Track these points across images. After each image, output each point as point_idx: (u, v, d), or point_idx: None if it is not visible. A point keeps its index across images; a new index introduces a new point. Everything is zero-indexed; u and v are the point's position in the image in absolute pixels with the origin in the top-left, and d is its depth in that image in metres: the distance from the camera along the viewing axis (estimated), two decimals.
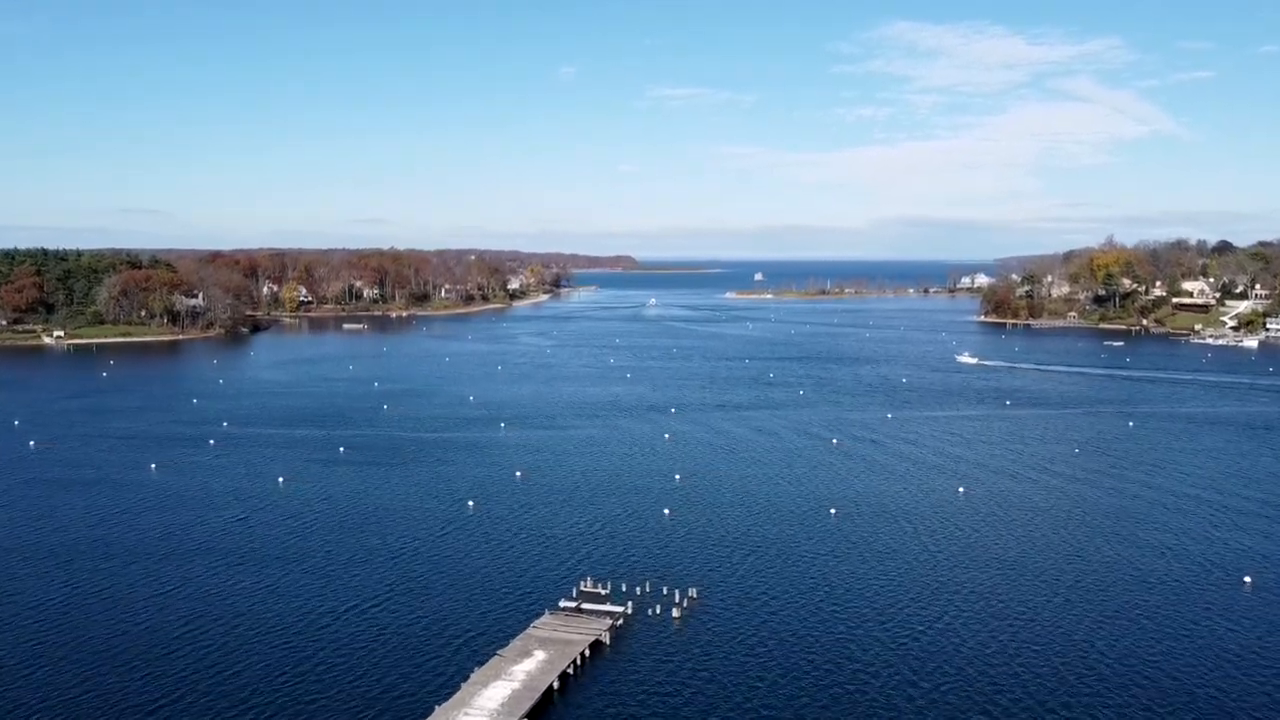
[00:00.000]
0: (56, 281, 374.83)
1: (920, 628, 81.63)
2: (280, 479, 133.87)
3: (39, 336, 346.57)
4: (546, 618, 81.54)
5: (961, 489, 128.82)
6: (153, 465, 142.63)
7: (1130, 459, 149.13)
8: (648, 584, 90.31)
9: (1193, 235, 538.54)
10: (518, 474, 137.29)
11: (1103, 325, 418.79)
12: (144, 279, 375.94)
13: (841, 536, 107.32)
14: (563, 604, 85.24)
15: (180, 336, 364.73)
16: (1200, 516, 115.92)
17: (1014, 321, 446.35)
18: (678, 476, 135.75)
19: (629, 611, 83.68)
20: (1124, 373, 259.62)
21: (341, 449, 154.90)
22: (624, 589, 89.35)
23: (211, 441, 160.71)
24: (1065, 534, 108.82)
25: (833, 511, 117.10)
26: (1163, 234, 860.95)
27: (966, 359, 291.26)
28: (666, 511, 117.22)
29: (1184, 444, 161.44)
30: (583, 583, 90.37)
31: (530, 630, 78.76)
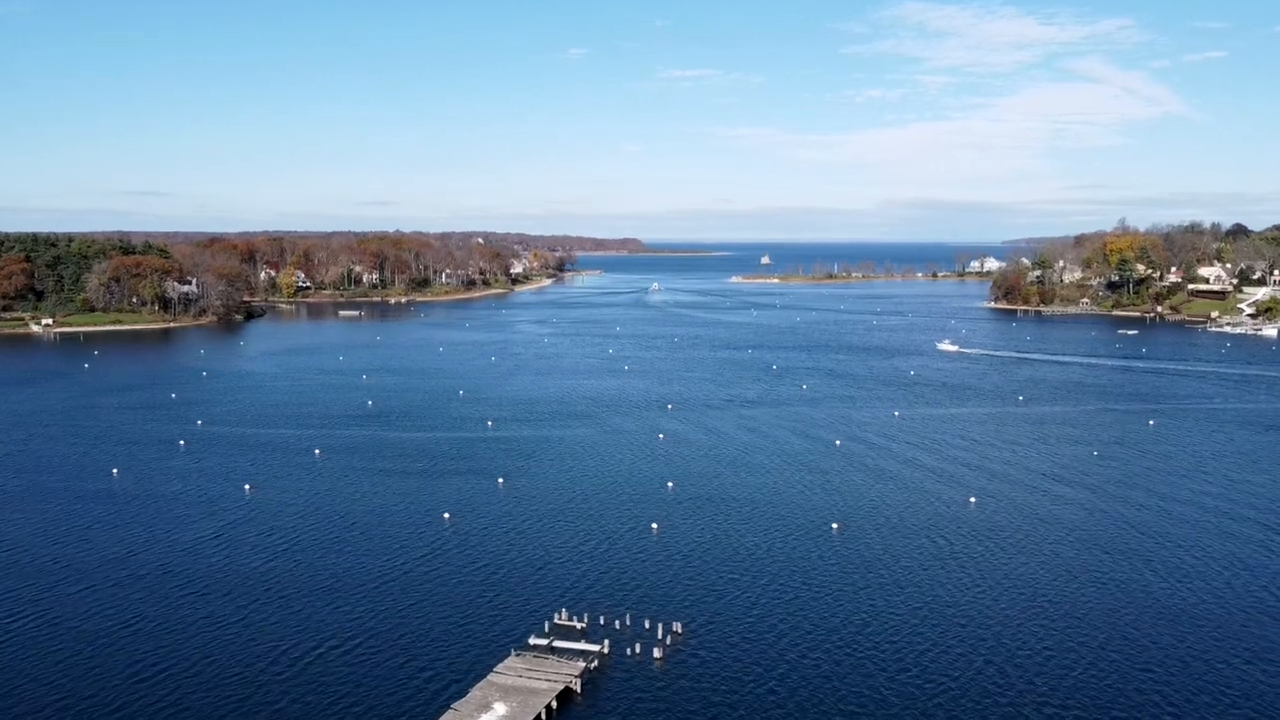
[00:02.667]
0: (46, 268, 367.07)
1: (934, 672, 73.17)
2: (247, 487, 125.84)
3: (27, 325, 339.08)
4: (512, 660, 73.33)
5: (973, 499, 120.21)
6: (115, 471, 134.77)
7: (1155, 465, 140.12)
8: (628, 617, 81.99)
9: (1204, 217, 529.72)
10: (500, 481, 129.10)
11: (1116, 312, 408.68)
12: (135, 265, 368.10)
13: (844, 558, 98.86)
14: (533, 641, 77.05)
15: (172, 324, 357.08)
16: (1242, 536, 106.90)
17: (1025, 308, 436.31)
18: (670, 484, 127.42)
19: (605, 651, 75.44)
20: (1141, 364, 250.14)
21: (317, 451, 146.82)
22: (602, 622, 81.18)
23: (182, 443, 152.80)
24: (1087, 556, 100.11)
25: (834, 526, 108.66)
26: (1174, 216, 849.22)
27: (947, 346, 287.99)
28: (654, 526, 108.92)
29: (1215, 446, 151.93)
30: (556, 615, 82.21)
31: (492, 677, 70.58)
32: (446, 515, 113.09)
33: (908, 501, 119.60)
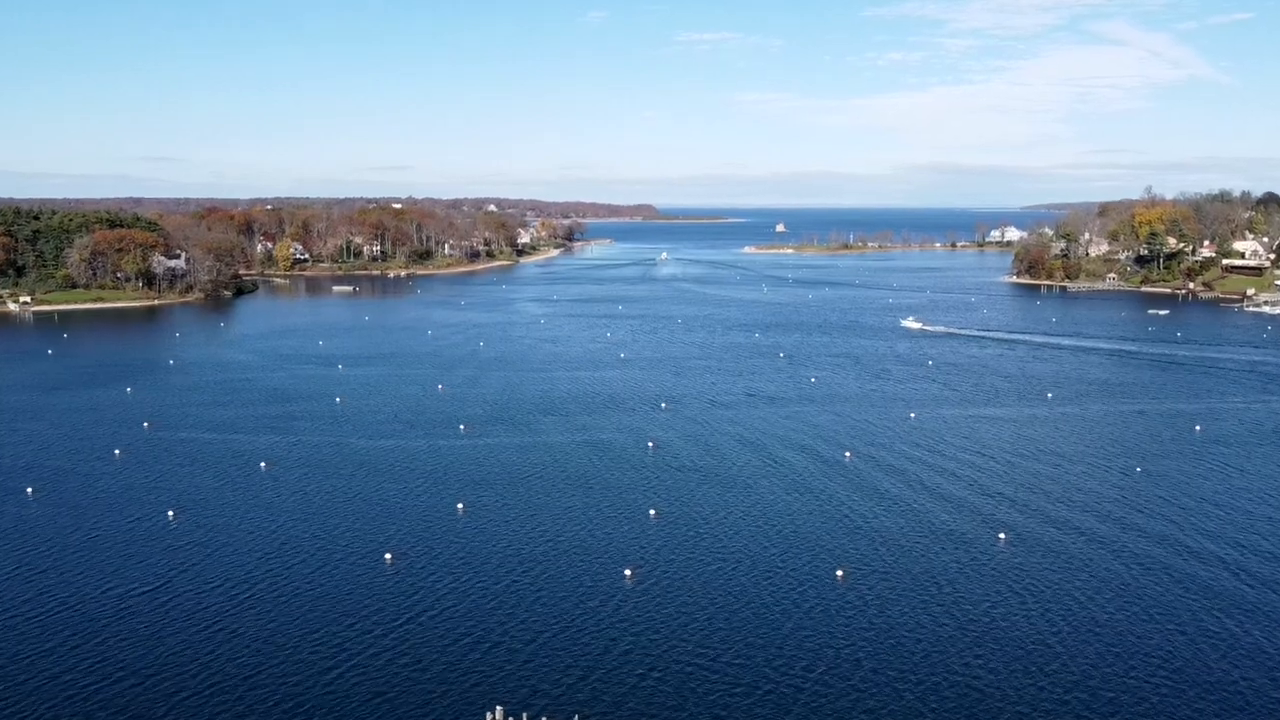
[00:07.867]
0: (26, 242, 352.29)
1: None
2: (170, 514, 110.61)
3: (4, 303, 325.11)
4: None
5: (1003, 535, 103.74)
6: (30, 490, 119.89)
7: (1213, 487, 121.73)
8: (576, 718, 66.39)
9: (1230, 183, 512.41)
10: (459, 507, 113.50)
11: (1145, 289, 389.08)
12: (118, 239, 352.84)
13: (847, 622, 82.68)
14: None
15: (156, 302, 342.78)
16: None
17: (1049, 283, 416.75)
18: (652, 511, 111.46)
19: None
20: (1178, 350, 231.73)
21: (263, 464, 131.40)
22: None
23: (117, 452, 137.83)
24: (1151, 616, 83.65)
25: (838, 574, 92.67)
26: (1198, 181, 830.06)
27: (911, 324, 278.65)
28: (628, 573, 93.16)
29: None
30: (490, 715, 66.70)
31: None
32: (388, 557, 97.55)
33: (926, 538, 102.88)
